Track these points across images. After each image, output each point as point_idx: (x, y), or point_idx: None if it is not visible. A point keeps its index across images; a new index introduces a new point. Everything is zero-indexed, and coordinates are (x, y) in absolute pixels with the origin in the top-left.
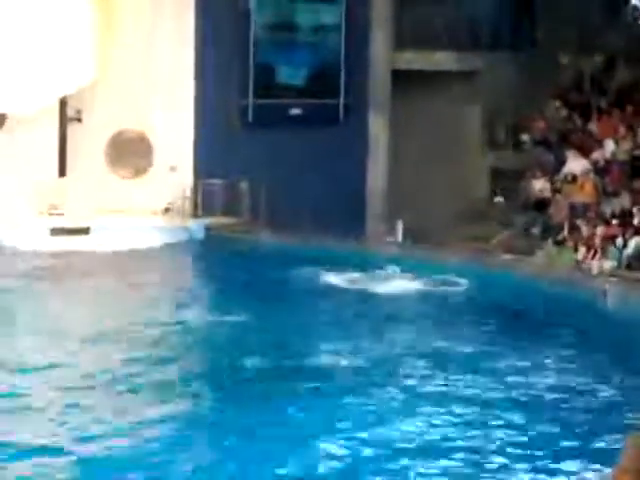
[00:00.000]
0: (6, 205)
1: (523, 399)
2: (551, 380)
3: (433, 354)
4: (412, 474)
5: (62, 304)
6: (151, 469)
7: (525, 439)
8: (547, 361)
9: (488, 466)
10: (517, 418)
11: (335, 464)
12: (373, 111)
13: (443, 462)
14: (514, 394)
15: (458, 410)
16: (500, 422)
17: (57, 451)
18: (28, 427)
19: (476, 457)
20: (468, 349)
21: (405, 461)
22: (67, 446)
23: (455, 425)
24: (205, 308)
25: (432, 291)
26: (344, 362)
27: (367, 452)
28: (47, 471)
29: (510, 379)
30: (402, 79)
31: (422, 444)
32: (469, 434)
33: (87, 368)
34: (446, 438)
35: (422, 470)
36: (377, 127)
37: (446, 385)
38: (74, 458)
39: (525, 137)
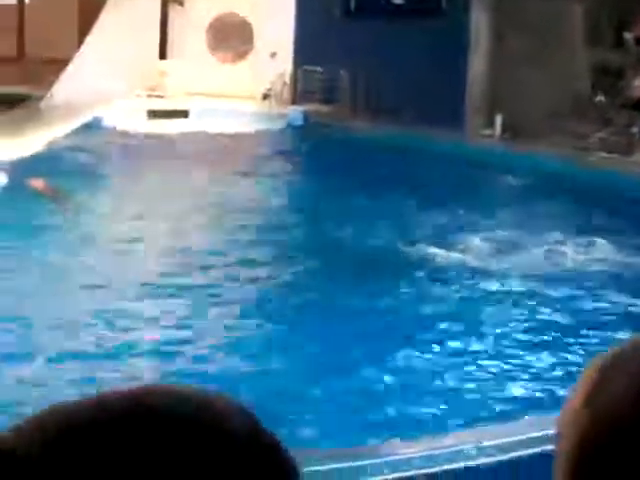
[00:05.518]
0: (107, 85)
1: None
2: None
3: None
4: None
5: (157, 185)
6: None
7: None
8: None
9: None
10: None
11: None
12: (476, 3)
13: None
14: None
15: None
16: None
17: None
18: None
19: None
20: None
21: None
22: None
23: None
24: (304, 193)
25: None
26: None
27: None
28: None
29: None
30: None
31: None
32: None
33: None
34: None
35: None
36: (480, 19)
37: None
38: None
39: (628, 35)
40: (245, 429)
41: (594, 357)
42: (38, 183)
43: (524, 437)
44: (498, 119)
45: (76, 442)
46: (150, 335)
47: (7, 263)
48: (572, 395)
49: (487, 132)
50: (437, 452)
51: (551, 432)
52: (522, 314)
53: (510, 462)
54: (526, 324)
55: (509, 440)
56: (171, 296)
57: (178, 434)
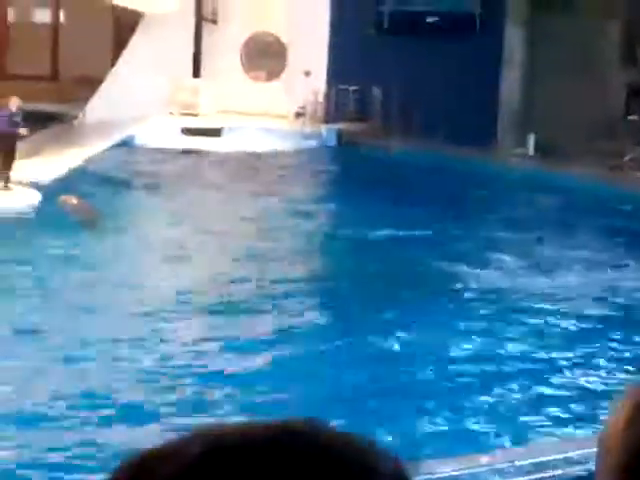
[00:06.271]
0: (140, 103)
1: None
2: None
3: None
4: None
5: (189, 202)
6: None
7: None
8: None
9: None
10: None
11: None
12: (510, 23)
13: None
14: None
15: None
16: None
17: None
18: None
19: None
20: None
21: None
22: None
23: None
24: (334, 213)
25: None
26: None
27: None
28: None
29: None
30: None
31: None
32: None
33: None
34: None
35: None
36: (513, 39)
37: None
38: None
39: None
40: (389, 468)
41: (634, 381)
42: (70, 200)
43: (559, 457)
44: (531, 138)
45: (216, 466)
46: None
47: (35, 280)
48: (614, 416)
49: (520, 151)
50: (472, 471)
51: (581, 452)
52: (560, 330)
53: None
54: (570, 341)
55: (542, 460)
56: (211, 313)
57: (323, 470)
